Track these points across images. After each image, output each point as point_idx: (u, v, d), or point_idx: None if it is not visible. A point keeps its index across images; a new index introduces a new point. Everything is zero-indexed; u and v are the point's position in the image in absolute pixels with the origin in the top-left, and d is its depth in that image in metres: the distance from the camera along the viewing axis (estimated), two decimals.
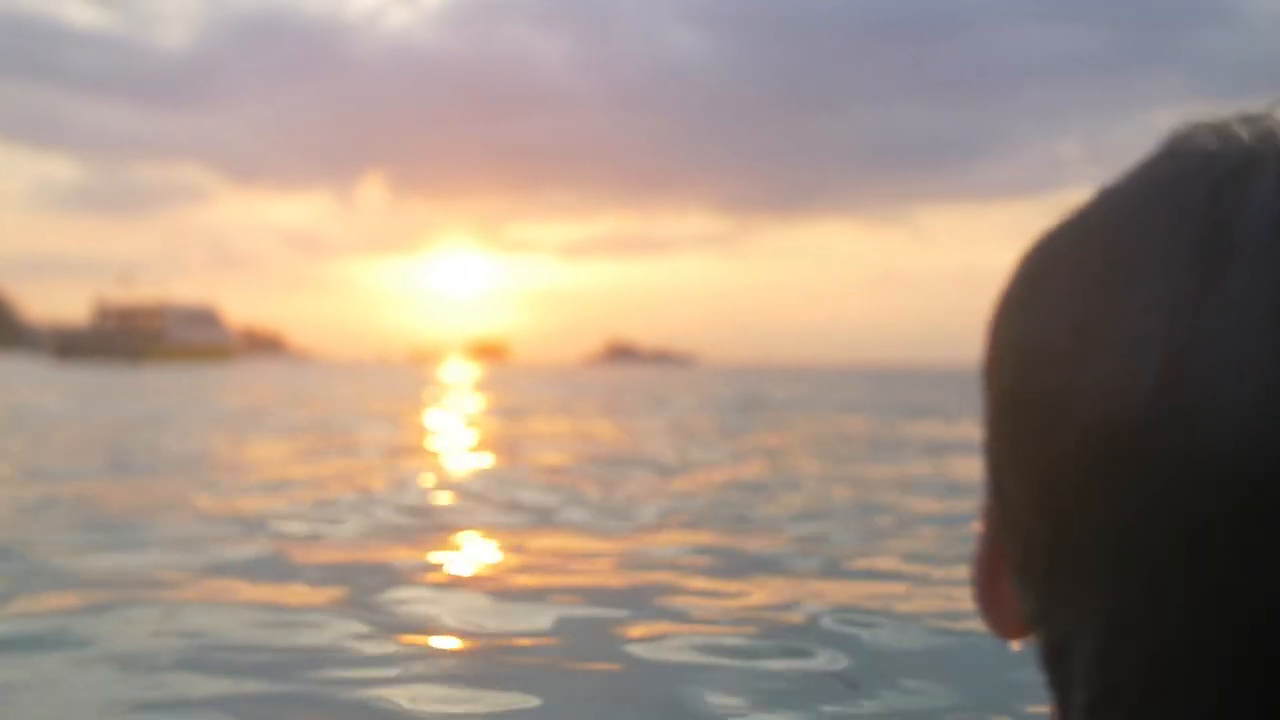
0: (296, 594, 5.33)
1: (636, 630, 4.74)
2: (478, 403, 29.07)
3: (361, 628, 4.63)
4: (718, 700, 3.84)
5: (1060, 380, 0.48)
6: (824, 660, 4.35)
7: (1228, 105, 0.52)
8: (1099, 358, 0.47)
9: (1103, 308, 0.48)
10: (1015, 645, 0.58)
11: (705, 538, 7.11)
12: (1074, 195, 0.55)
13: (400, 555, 6.34)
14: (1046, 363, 0.49)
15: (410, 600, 5.17)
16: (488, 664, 4.29)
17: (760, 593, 5.54)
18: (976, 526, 0.59)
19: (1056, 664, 0.52)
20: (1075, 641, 0.50)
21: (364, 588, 5.33)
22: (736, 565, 6.18)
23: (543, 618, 4.94)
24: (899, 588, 5.69)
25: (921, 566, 6.20)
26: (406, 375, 67.98)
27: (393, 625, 4.73)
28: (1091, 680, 0.50)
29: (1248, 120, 0.51)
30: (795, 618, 5.01)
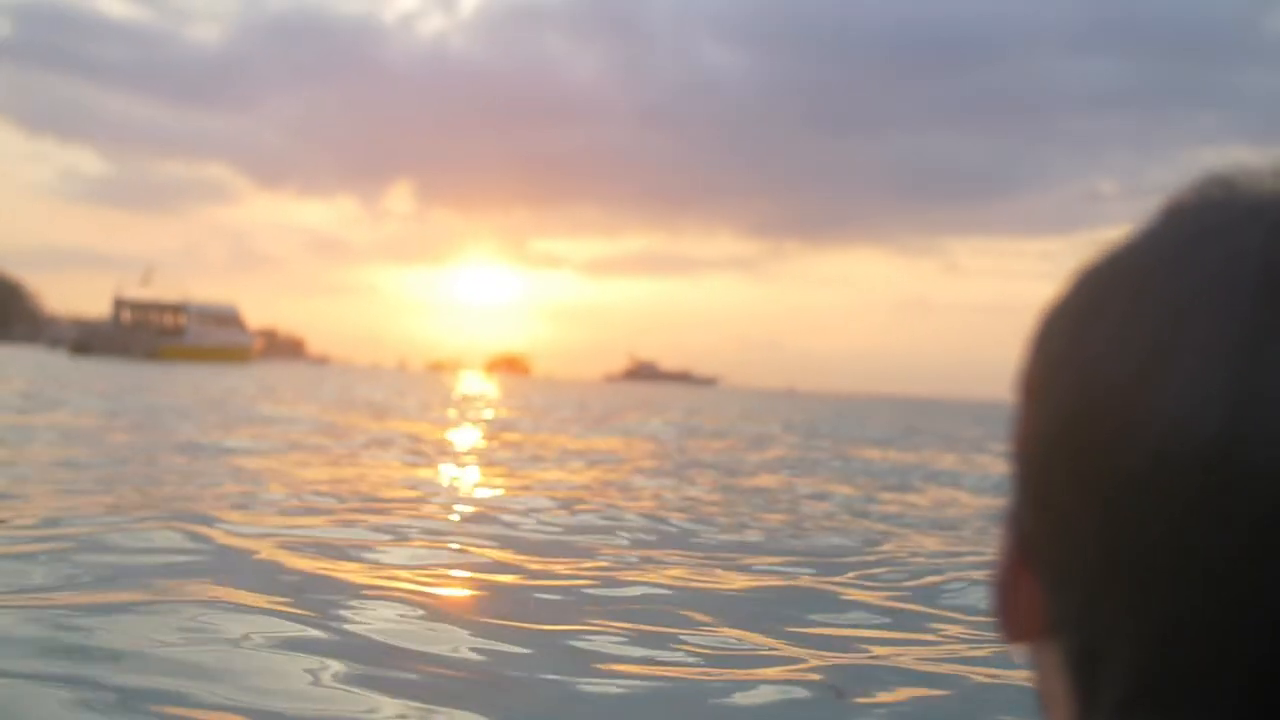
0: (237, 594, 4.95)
1: (593, 642, 4.54)
2: (486, 415, 28.78)
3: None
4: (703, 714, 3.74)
5: (1126, 404, 0.51)
6: (806, 673, 4.23)
7: (1269, 146, 0.55)
8: (1167, 386, 0.50)
9: (1170, 337, 0.50)
10: (1019, 649, 0.60)
11: (674, 558, 6.69)
12: (1111, 233, 0.58)
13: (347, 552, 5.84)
14: (1110, 386, 0.52)
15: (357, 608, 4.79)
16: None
17: (730, 614, 5.22)
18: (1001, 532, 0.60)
19: (1087, 666, 0.55)
20: (1114, 646, 0.52)
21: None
22: (706, 588, 5.75)
23: (491, 634, 4.60)
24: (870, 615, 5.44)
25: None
26: (423, 385, 67.96)
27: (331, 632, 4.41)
28: (1128, 683, 0.52)
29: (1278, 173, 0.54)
30: (765, 637, 4.85)
